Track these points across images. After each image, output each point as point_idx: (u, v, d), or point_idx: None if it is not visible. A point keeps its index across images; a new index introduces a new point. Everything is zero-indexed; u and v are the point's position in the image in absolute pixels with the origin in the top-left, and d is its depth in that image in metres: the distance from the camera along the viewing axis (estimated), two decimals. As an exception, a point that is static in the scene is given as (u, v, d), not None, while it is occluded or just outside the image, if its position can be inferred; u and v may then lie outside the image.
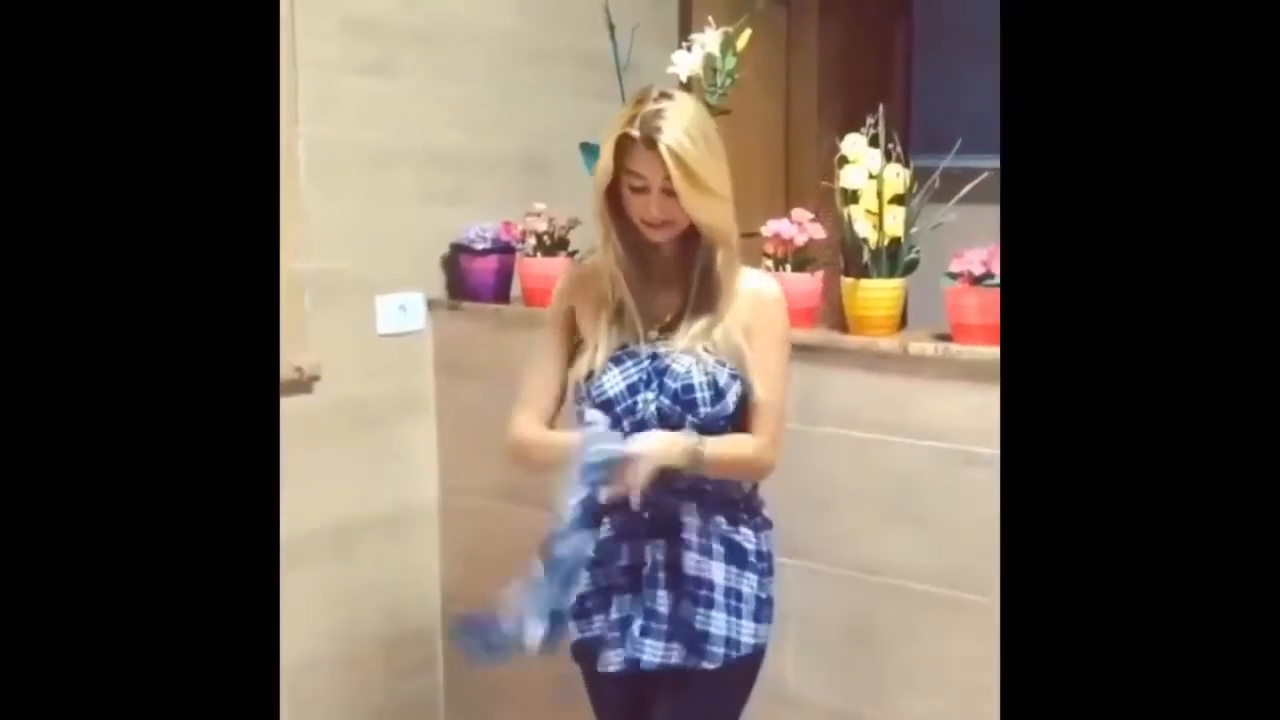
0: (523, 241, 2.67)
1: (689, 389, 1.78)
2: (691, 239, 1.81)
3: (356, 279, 2.65)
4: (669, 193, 1.73)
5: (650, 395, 1.79)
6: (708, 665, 1.82)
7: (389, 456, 2.76)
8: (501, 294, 2.75)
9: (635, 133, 1.71)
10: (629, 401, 1.79)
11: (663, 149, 1.69)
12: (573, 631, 1.91)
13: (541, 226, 2.64)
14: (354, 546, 2.70)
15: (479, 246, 2.73)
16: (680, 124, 1.71)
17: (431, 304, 2.78)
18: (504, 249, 2.74)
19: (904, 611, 2.20)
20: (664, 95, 1.75)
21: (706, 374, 1.79)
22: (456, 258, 2.78)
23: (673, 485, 1.81)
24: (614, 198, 1.80)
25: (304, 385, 2.55)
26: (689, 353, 1.80)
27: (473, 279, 2.75)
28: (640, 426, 1.79)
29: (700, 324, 1.81)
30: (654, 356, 1.81)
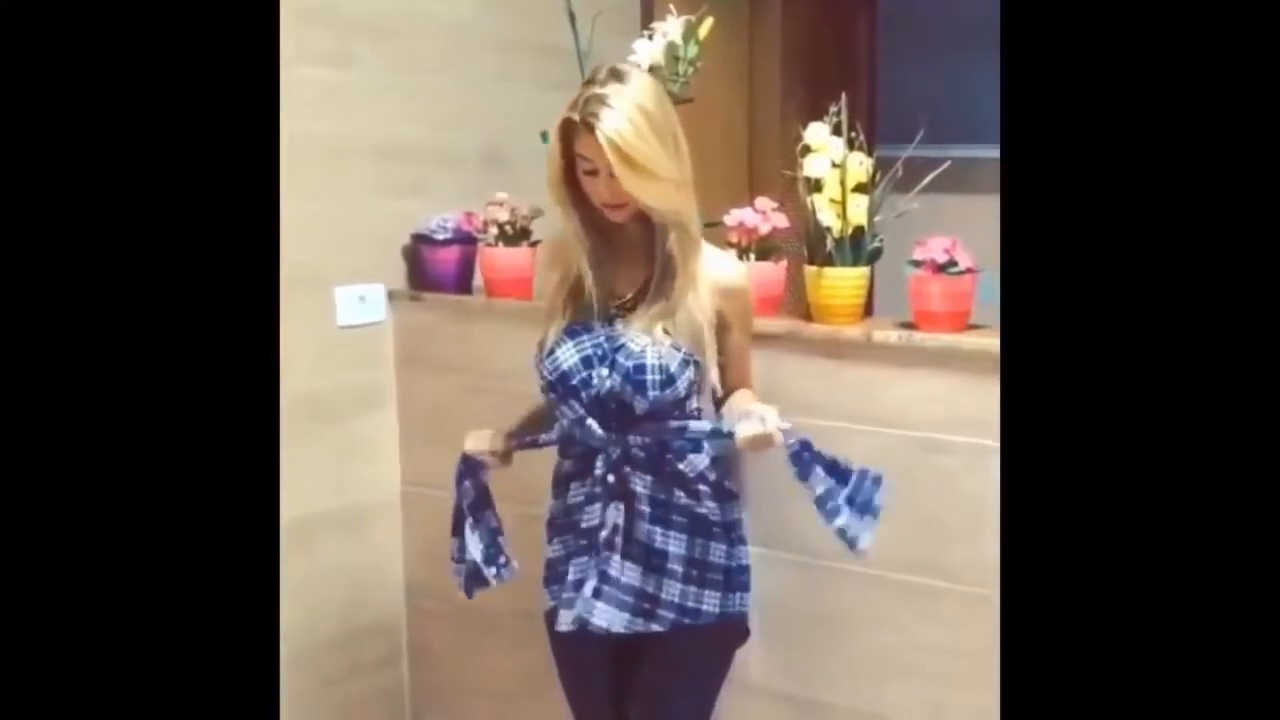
0: (484, 231, 2.65)
1: (640, 369, 1.78)
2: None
3: (315, 271, 2.61)
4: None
5: (604, 371, 1.80)
6: (656, 628, 1.83)
7: (350, 449, 2.73)
8: (463, 285, 2.73)
9: (576, 117, 1.71)
10: (583, 375, 1.81)
11: (600, 137, 1.69)
12: (545, 599, 1.96)
13: (503, 216, 2.62)
14: (315, 540, 2.68)
15: (440, 237, 2.70)
16: (621, 108, 1.70)
17: (392, 295, 2.76)
18: (465, 239, 2.71)
19: (870, 599, 2.20)
20: (613, 75, 1.74)
21: (660, 357, 1.79)
22: (417, 248, 2.75)
23: (631, 454, 1.82)
24: (573, 177, 1.80)
25: (263, 378, 2.52)
26: (646, 333, 1.80)
27: (434, 269, 2.73)
28: (597, 402, 1.80)
29: (660, 305, 1.81)
30: (610, 335, 1.82)
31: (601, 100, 1.70)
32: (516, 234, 2.63)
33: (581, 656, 1.95)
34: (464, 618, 2.77)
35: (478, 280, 2.72)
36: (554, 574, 1.94)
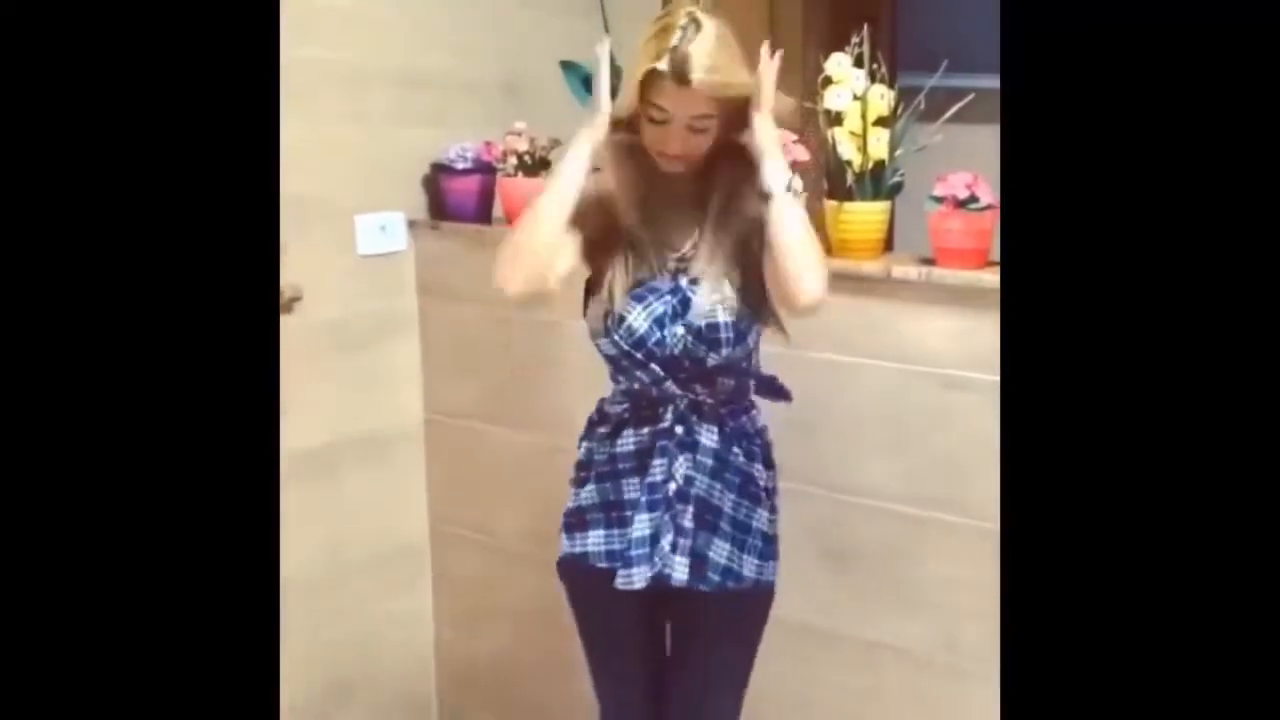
0: (503, 161, 2.65)
1: (714, 328, 1.78)
2: (708, 163, 1.81)
3: (336, 200, 2.62)
4: (694, 130, 1.74)
5: (679, 330, 1.78)
6: (702, 588, 1.83)
7: (372, 377, 2.76)
8: (483, 214, 2.73)
9: (664, 68, 1.70)
10: (657, 336, 1.79)
11: (704, 89, 1.70)
12: (564, 545, 1.93)
13: (522, 146, 2.62)
14: (339, 468, 2.71)
15: (459, 166, 2.70)
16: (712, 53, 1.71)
17: (413, 224, 2.76)
18: (485, 169, 2.71)
19: (885, 533, 2.22)
20: (692, 21, 1.72)
21: (730, 310, 1.79)
22: (437, 178, 2.75)
23: (701, 407, 1.83)
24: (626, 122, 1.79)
25: (285, 307, 2.53)
26: (715, 290, 1.79)
27: (454, 199, 2.73)
28: (669, 363, 1.80)
29: (721, 255, 1.80)
30: (675, 289, 1.81)
31: (693, 53, 1.69)
32: (536, 164, 2.62)
33: (611, 614, 1.93)
34: (486, 543, 2.82)
35: (498, 210, 2.72)
36: (580, 522, 1.91)
